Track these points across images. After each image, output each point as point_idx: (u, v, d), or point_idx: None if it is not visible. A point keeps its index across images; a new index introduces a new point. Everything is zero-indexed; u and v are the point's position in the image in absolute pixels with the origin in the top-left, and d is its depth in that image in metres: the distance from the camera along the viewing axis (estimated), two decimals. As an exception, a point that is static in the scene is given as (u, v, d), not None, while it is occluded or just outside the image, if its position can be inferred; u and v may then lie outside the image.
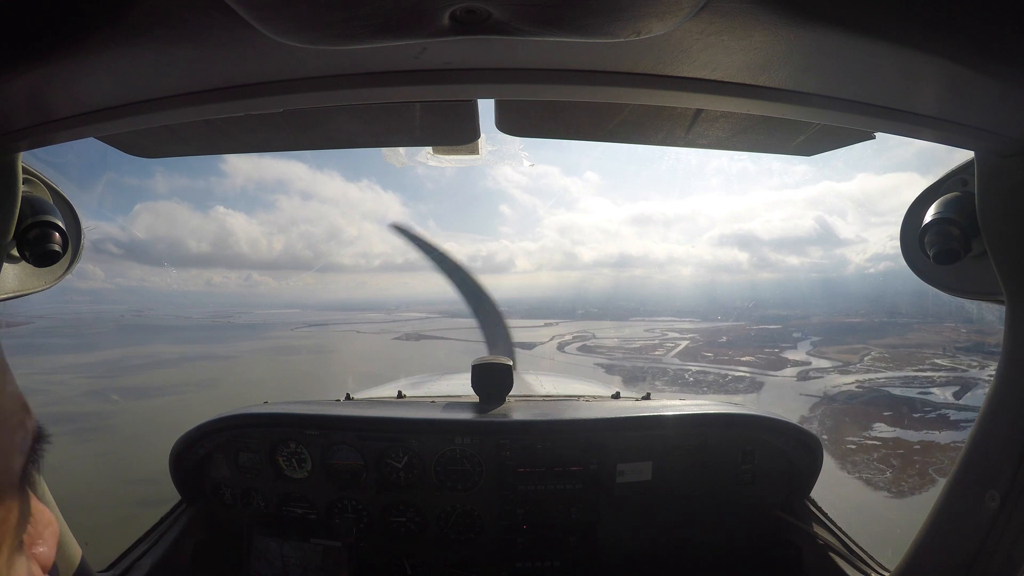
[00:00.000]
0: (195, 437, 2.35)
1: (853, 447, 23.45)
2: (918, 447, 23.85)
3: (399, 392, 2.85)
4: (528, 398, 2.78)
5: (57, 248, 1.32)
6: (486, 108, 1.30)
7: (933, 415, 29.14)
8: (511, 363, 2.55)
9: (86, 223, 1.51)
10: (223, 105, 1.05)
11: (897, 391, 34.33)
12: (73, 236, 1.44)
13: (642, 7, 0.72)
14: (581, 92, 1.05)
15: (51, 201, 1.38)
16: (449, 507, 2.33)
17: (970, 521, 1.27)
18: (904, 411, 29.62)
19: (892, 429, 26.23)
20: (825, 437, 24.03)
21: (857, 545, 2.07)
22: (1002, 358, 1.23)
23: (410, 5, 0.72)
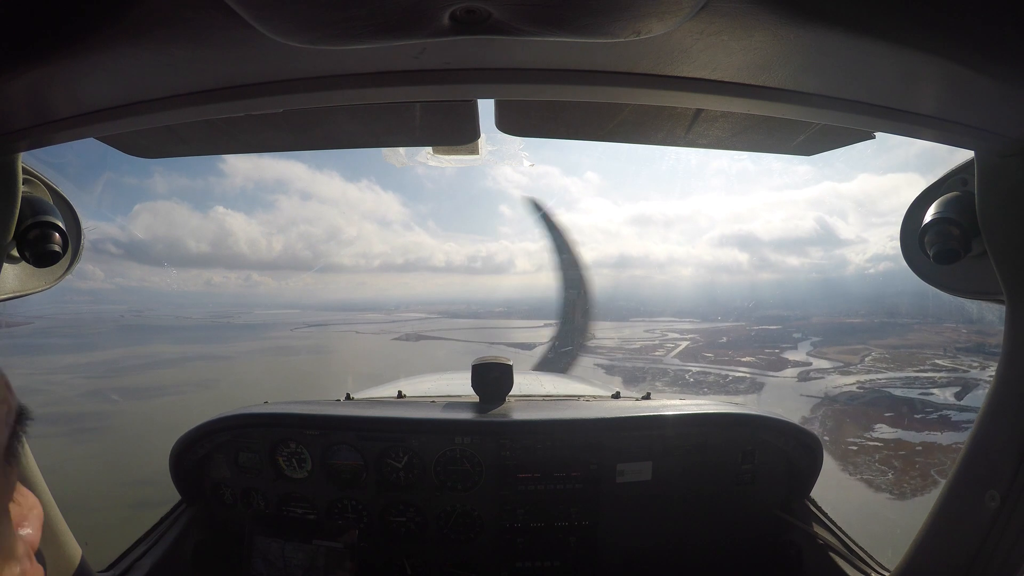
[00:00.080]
0: (195, 437, 2.35)
1: (855, 448, 23.40)
2: (920, 448, 23.80)
3: (399, 392, 2.85)
4: (528, 398, 2.78)
5: (57, 248, 1.32)
6: (486, 108, 1.30)
7: (934, 416, 29.09)
8: (511, 363, 2.55)
9: (86, 223, 1.51)
10: (223, 105, 1.05)
11: (898, 392, 34.28)
12: (73, 236, 1.44)
13: (642, 7, 0.72)
14: (581, 92, 1.05)
15: (51, 201, 1.38)
16: (449, 507, 2.33)
17: (970, 521, 1.27)
18: (905, 412, 29.57)
19: (893, 430, 26.17)
20: (827, 438, 24.00)
21: (857, 545, 2.07)
22: (1002, 358, 1.23)
23: (410, 5, 0.72)
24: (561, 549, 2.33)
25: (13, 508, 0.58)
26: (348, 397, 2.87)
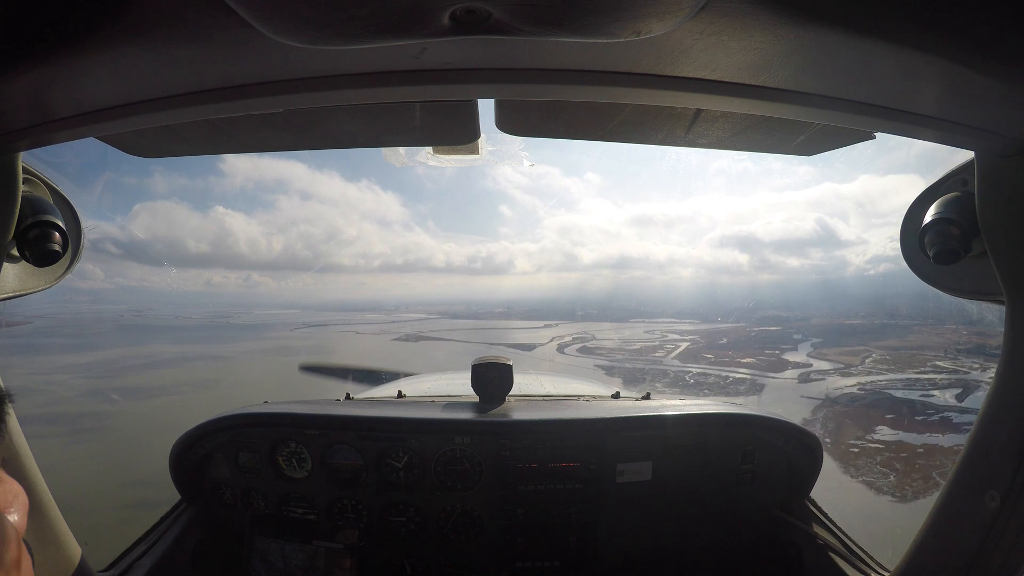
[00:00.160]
0: (195, 437, 2.35)
1: (856, 450, 23.38)
2: (921, 450, 23.78)
3: (399, 392, 2.85)
4: (528, 398, 2.78)
5: (57, 248, 1.32)
6: (486, 108, 1.30)
7: (936, 418, 29.08)
8: (511, 363, 2.55)
9: (86, 223, 1.51)
10: (223, 105, 1.05)
11: (899, 393, 34.28)
12: (73, 236, 1.44)
13: (642, 7, 0.72)
14: (581, 92, 1.05)
15: (51, 201, 1.38)
16: (449, 507, 2.33)
17: (970, 521, 1.27)
18: (906, 414, 29.56)
19: (895, 432, 26.15)
20: (828, 440, 23.95)
21: (857, 545, 2.07)
22: (1002, 358, 1.23)
23: (410, 5, 0.72)
24: (561, 549, 2.33)
25: None
26: (348, 397, 2.87)
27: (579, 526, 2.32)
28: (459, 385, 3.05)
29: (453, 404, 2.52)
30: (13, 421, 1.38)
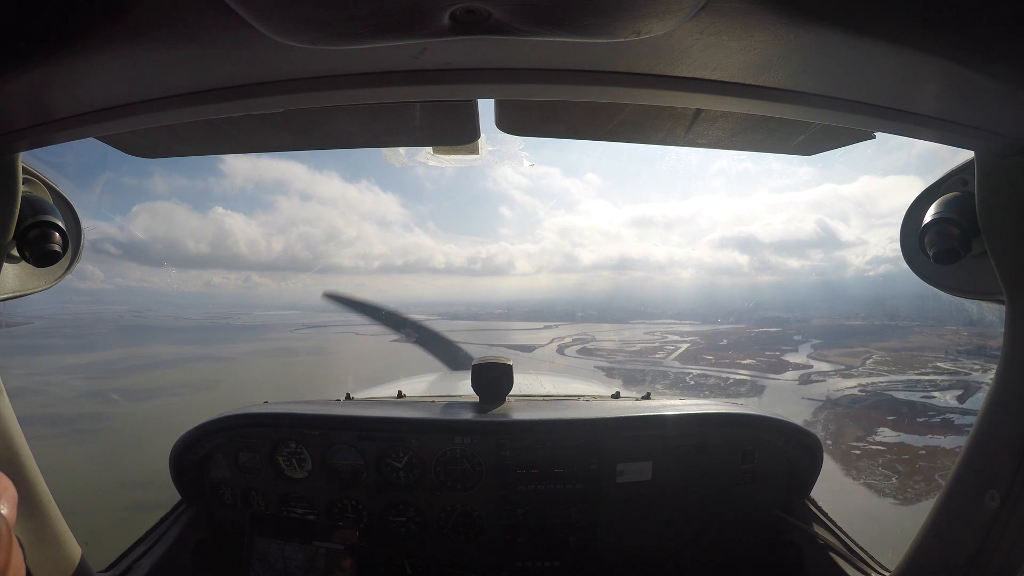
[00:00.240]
0: (195, 437, 2.35)
1: (858, 452, 23.32)
2: (923, 452, 23.72)
3: (399, 392, 2.85)
4: (528, 398, 2.78)
5: (57, 248, 1.32)
6: (486, 108, 1.30)
7: (937, 419, 29.01)
8: (511, 363, 2.56)
9: (86, 223, 1.51)
10: (223, 105, 1.05)
11: (900, 395, 34.22)
12: (73, 236, 1.44)
13: (642, 7, 0.72)
14: (581, 92, 1.05)
15: (51, 201, 1.38)
16: (449, 507, 2.33)
17: (970, 521, 1.27)
18: (908, 416, 29.51)
19: (896, 434, 26.09)
20: (829, 442, 23.89)
21: (857, 545, 2.07)
22: (1002, 358, 1.23)
23: (410, 5, 0.72)
24: (561, 549, 2.33)
25: None
26: (348, 397, 2.87)
27: (579, 526, 2.32)
28: (459, 385, 3.05)
29: (453, 404, 2.52)
30: (14, 421, 1.38)
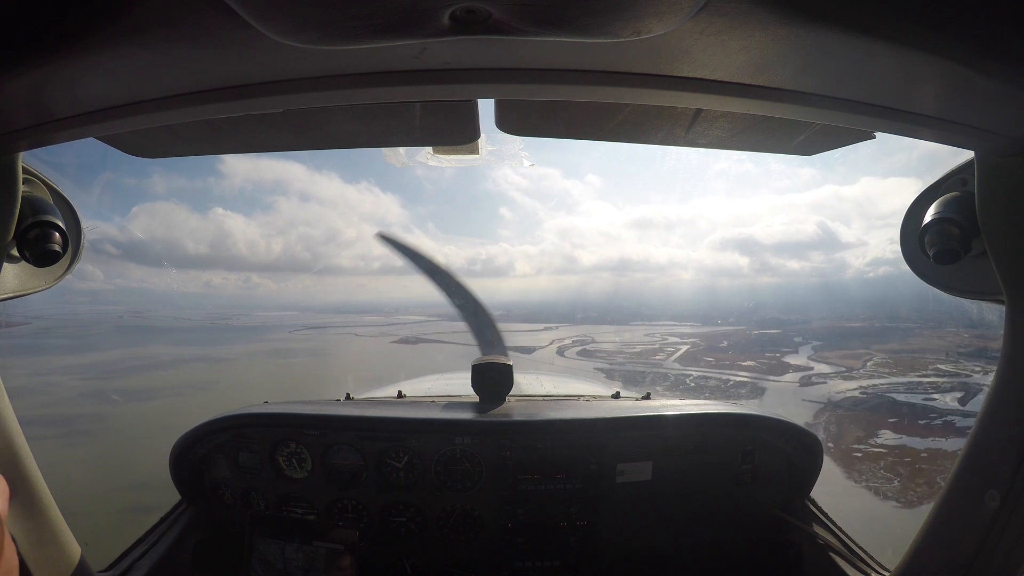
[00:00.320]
0: (195, 437, 2.35)
1: (859, 455, 23.28)
2: (925, 454, 23.69)
3: (399, 392, 2.85)
4: (528, 398, 2.77)
5: (57, 248, 1.32)
6: (486, 108, 1.30)
7: (939, 421, 28.98)
8: (511, 363, 2.55)
9: (86, 223, 1.51)
10: (223, 105, 1.05)
11: (901, 397, 34.20)
12: (73, 236, 1.44)
13: (642, 7, 0.72)
14: (581, 92, 1.05)
15: (51, 201, 1.38)
16: (449, 507, 2.32)
17: (970, 521, 1.27)
18: (909, 418, 29.48)
19: (898, 436, 26.07)
20: (831, 445, 23.84)
21: (857, 545, 2.07)
22: (1002, 358, 1.23)
23: (410, 5, 0.72)
24: (561, 549, 2.32)
25: None
26: (348, 397, 2.87)
27: (579, 526, 2.32)
28: (459, 385, 3.05)
29: (453, 404, 2.52)
30: (14, 422, 1.38)
